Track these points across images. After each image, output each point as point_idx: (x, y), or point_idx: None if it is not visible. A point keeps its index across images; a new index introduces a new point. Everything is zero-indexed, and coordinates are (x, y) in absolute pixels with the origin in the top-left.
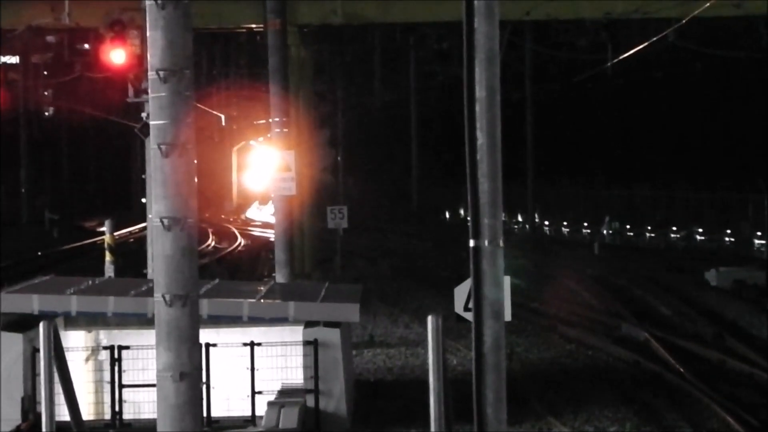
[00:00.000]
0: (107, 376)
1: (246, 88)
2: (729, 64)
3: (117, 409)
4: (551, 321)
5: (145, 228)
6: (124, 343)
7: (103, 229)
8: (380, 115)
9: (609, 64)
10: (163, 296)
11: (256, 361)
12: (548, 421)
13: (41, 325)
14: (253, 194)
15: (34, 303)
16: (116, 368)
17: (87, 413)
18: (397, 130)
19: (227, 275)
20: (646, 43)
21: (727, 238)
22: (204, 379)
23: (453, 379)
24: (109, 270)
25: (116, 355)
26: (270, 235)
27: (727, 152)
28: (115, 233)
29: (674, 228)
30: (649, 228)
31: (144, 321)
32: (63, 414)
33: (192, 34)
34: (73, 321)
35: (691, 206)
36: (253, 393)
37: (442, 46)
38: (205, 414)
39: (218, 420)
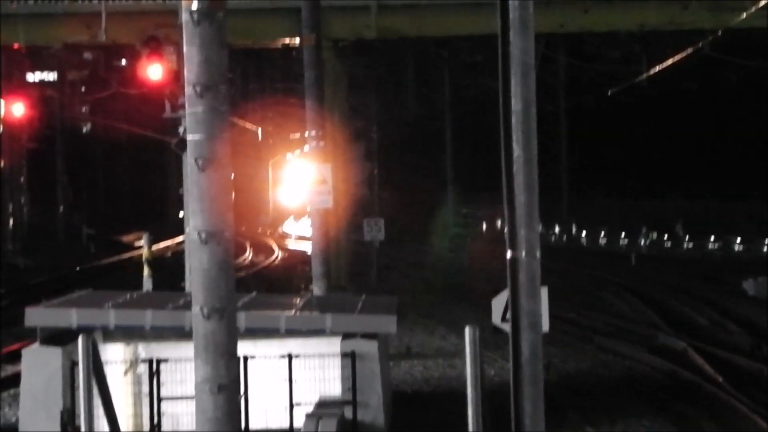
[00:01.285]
0: (146, 389)
1: (281, 103)
2: (764, 75)
3: (156, 421)
4: (588, 331)
5: (182, 242)
6: (162, 356)
7: (141, 243)
8: (414, 129)
9: (644, 75)
10: (201, 309)
11: (293, 373)
12: (586, 431)
13: (80, 338)
14: (289, 208)
15: (72, 317)
16: (154, 381)
17: (126, 426)
18: (431, 143)
19: (264, 288)
20: (682, 54)
21: (765, 248)
22: (242, 392)
23: (490, 390)
24: (147, 284)
25: (154, 368)
26: (306, 248)
27: (762, 162)
28: (153, 247)
29: (711, 238)
30: (686, 238)
31: (182, 334)
32: (102, 427)
33: (227, 50)
34: (112, 335)
35: (727, 216)
36: (291, 405)
37: (476, 59)
38: (243, 426)
39: None
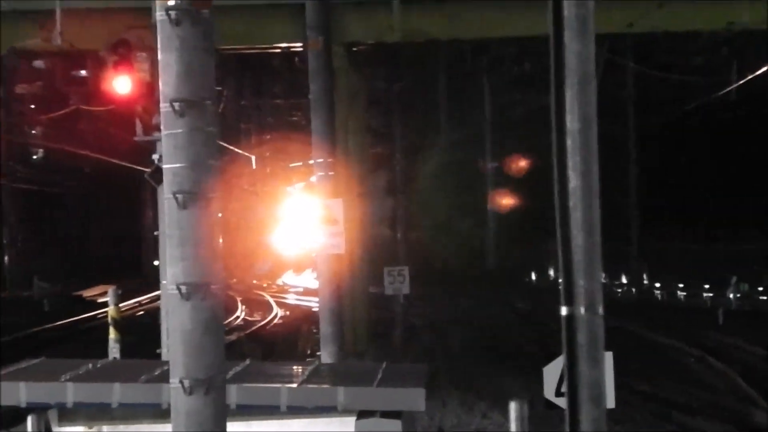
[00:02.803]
0: None
1: (282, 122)
2: None
3: None
4: (665, 407)
5: (158, 297)
6: None
7: (106, 299)
8: (447, 156)
9: (734, 86)
10: (182, 382)
11: None
12: None
13: (29, 420)
14: (289, 255)
15: (21, 393)
16: None
17: None
18: (468, 174)
19: (261, 354)
20: None
21: None
22: None
23: None
24: (113, 350)
25: None
26: (313, 303)
27: None
28: (122, 304)
29: None
30: None
31: (158, 413)
32: None
33: (214, 57)
34: (70, 414)
35: None
36: None
37: (523, 68)
38: None
39: None
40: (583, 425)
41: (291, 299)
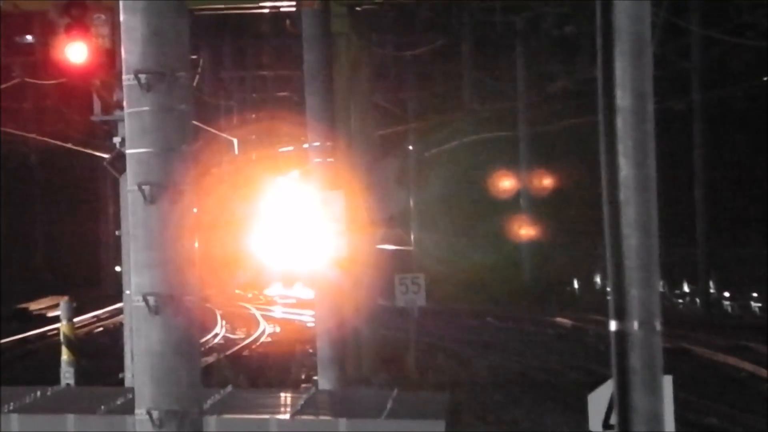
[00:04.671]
0: None
1: (270, 99)
2: None
3: None
4: None
5: (120, 311)
6: None
7: (57, 313)
8: (472, 139)
9: None
10: (149, 413)
11: None
12: None
13: None
14: (279, 263)
15: None
16: None
17: None
18: (497, 162)
19: (245, 381)
20: None
21: None
22: None
23: None
24: (67, 375)
25: None
26: (309, 318)
27: None
28: (76, 319)
29: None
30: None
31: None
32: None
33: (188, 20)
34: None
35: None
36: None
37: (564, 32)
38: None
39: None
40: None
41: (273, 313)
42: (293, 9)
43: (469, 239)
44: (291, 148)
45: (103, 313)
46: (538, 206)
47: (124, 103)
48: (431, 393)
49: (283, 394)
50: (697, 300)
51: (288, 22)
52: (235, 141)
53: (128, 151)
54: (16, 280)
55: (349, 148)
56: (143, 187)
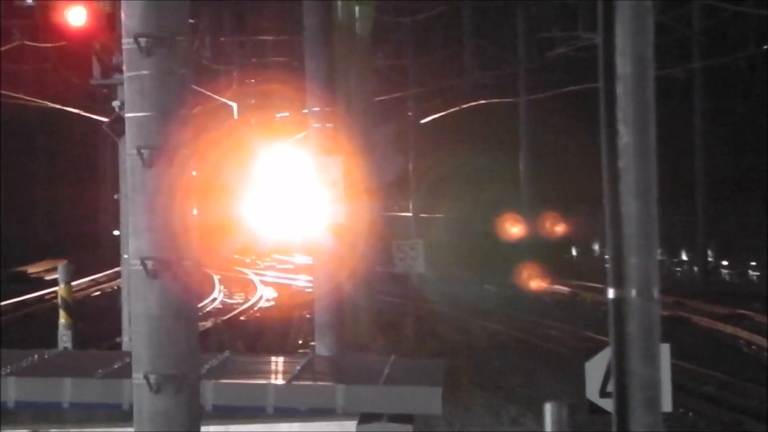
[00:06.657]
0: None
1: (269, 64)
2: None
3: None
4: (736, 413)
5: (118, 275)
6: None
7: (55, 277)
8: (472, 106)
9: None
10: (147, 378)
11: None
12: None
13: None
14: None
15: None
16: None
17: None
18: (499, 128)
19: (243, 346)
20: None
21: None
22: None
23: None
24: (64, 338)
25: None
26: (307, 284)
27: None
28: (74, 283)
29: None
30: None
31: (118, 415)
32: None
33: None
34: (11, 416)
35: None
36: None
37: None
38: None
39: None
40: None
41: (276, 278)
42: None
43: (467, 202)
44: (287, 114)
45: (101, 276)
46: (536, 172)
47: (124, 67)
48: (429, 359)
49: (280, 360)
50: (696, 268)
51: None
52: (235, 106)
53: (127, 115)
54: (15, 242)
55: (347, 113)
56: (142, 150)
